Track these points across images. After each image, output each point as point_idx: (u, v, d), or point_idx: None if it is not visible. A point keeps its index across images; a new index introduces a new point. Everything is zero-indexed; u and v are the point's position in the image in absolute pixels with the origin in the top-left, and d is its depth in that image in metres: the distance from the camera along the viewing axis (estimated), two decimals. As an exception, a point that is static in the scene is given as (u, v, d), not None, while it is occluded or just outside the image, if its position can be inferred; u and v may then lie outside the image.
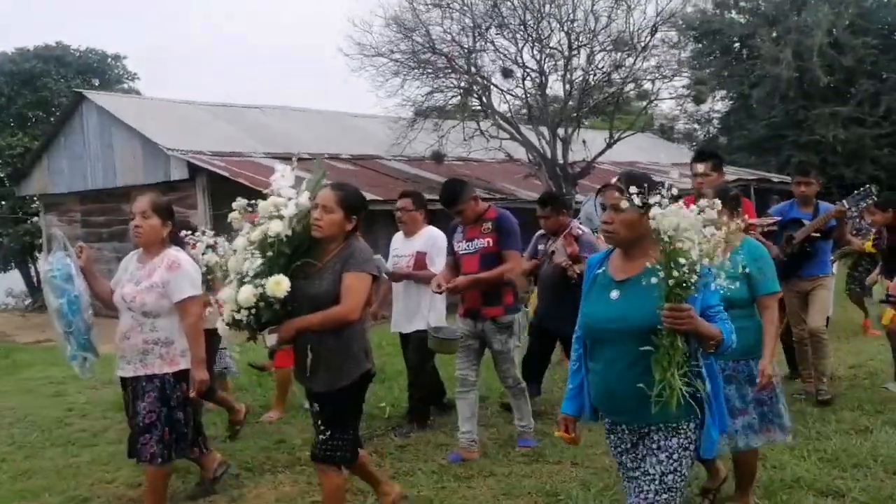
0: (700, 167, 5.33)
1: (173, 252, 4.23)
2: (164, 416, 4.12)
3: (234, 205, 3.87)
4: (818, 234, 5.98)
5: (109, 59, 24.90)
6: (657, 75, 18.08)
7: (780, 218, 6.07)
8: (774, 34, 26.42)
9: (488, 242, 5.16)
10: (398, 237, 6.19)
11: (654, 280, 2.64)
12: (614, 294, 2.86)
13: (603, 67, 17.39)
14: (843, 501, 4.23)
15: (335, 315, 3.58)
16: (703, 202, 2.68)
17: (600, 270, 2.97)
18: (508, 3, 16.63)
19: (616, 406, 2.89)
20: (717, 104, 29.88)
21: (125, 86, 25.05)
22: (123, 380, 4.29)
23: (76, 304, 4.24)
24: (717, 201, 2.72)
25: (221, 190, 14.20)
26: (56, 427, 6.89)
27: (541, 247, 6.32)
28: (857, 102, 26.71)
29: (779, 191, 21.28)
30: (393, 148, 17.83)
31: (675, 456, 2.78)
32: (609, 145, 17.05)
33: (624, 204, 2.73)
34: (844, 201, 5.94)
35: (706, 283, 2.70)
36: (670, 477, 2.77)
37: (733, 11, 28.44)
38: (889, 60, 26.81)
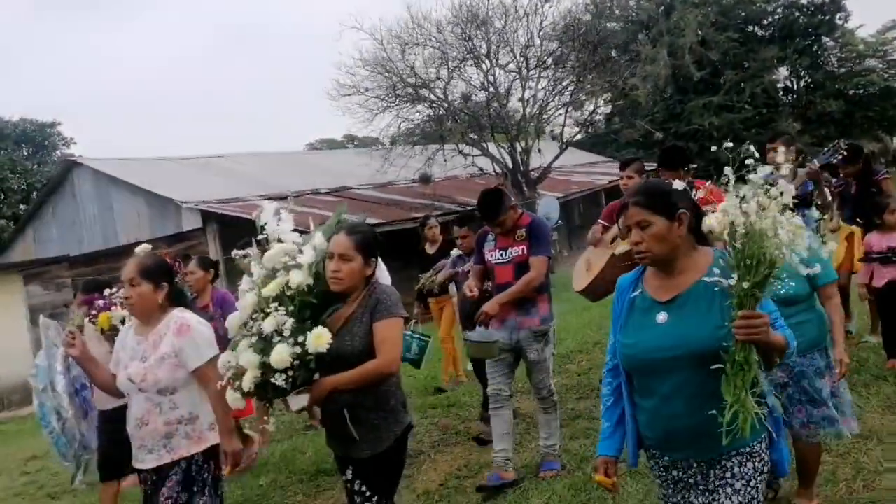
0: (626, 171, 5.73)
1: (178, 314, 3.62)
2: (184, 503, 3.52)
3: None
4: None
5: (46, 128, 24.93)
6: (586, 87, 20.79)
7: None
8: (650, 37, 29.74)
9: (522, 250, 5.04)
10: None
11: (716, 287, 2.42)
12: (661, 317, 2.51)
13: (554, 84, 19.84)
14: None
15: (374, 370, 3.15)
16: (778, 187, 2.42)
17: (636, 293, 2.62)
18: (475, 34, 18.71)
19: (679, 443, 2.51)
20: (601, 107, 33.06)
21: (59, 152, 25.12)
22: (142, 472, 3.65)
23: (44, 414, 4.26)
24: (790, 188, 2.43)
25: (230, 235, 15.46)
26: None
27: (460, 269, 6.65)
28: (725, 92, 30.52)
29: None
30: (373, 177, 19.47)
31: (752, 483, 2.46)
32: (561, 151, 19.44)
33: (652, 218, 2.47)
34: (815, 160, 5.83)
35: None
36: None
37: (610, 20, 31.66)
38: (748, 52, 30.89)
